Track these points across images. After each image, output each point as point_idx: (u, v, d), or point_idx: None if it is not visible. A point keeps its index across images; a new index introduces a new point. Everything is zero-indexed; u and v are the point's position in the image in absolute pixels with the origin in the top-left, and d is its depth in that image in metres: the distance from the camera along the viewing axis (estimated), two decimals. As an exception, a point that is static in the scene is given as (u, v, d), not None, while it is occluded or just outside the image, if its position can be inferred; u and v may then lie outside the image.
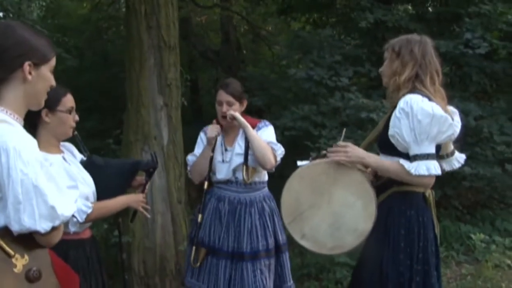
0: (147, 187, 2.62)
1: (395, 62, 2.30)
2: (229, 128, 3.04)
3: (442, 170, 2.35)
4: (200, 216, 3.01)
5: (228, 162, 2.99)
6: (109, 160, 2.62)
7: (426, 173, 2.18)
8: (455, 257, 5.07)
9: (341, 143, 2.34)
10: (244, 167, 2.95)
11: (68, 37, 6.65)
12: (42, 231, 1.52)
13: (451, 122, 2.20)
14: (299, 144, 5.28)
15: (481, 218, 5.70)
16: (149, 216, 2.73)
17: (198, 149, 3.10)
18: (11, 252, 1.54)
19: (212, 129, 2.96)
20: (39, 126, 2.26)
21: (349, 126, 5.17)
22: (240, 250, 2.95)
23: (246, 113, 3.09)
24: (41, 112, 2.20)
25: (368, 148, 2.47)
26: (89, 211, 2.24)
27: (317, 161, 2.40)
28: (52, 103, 2.19)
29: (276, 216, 3.03)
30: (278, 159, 2.95)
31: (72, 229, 2.28)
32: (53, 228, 1.55)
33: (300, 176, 2.39)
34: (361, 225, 2.29)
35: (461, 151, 2.54)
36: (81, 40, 7.19)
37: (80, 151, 2.50)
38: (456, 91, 5.59)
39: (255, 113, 6.32)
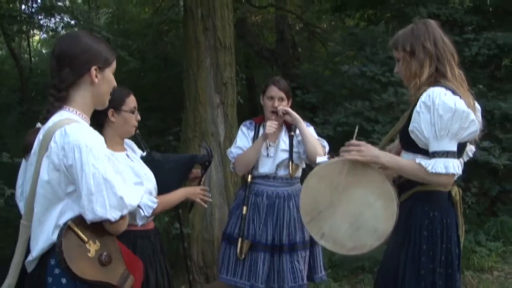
0: (203, 179, 2.71)
1: (412, 63, 2.19)
2: None
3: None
4: (245, 208, 3.06)
5: (272, 157, 3.07)
6: (167, 156, 2.69)
7: (443, 171, 2.04)
8: (514, 252, 4.98)
9: (354, 141, 2.23)
10: (290, 163, 3.05)
11: (131, 41, 7.02)
12: (113, 219, 1.66)
13: (473, 118, 2.08)
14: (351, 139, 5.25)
15: (545, 213, 5.45)
16: (206, 206, 2.80)
17: (241, 142, 3.13)
18: (85, 238, 1.68)
19: (272, 125, 3.01)
20: (105, 125, 2.36)
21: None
22: (280, 242, 3.01)
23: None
24: (107, 112, 2.31)
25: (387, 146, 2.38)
26: (155, 205, 2.34)
27: (335, 159, 2.30)
28: (117, 103, 2.31)
29: None
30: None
31: (140, 222, 2.37)
32: (121, 217, 1.69)
33: (318, 174, 2.31)
34: (381, 226, 2.18)
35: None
36: (144, 43, 7.53)
37: (140, 147, 2.60)
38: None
39: (308, 110, 6.53)
